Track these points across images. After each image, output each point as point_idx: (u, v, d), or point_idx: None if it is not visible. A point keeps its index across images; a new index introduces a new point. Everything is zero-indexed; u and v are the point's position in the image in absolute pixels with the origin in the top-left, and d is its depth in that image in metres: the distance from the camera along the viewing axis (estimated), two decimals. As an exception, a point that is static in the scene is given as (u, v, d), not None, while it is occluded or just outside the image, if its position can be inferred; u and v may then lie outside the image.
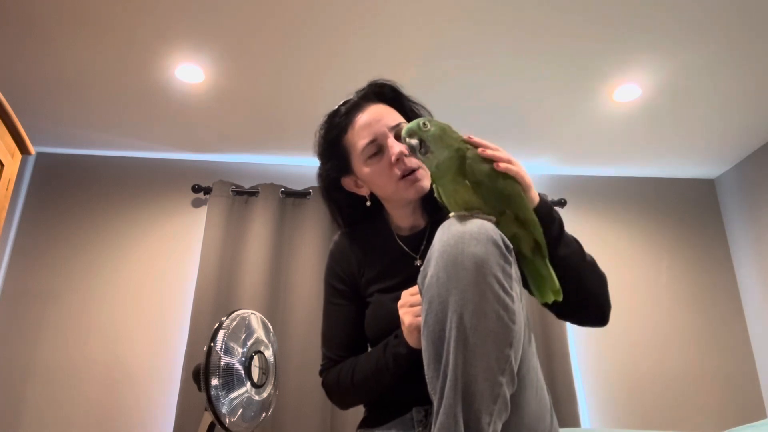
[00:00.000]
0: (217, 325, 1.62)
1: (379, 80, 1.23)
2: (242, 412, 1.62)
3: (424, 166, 1.13)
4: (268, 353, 1.77)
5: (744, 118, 2.58)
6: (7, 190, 1.84)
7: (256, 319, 1.77)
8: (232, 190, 2.80)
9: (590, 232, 2.99)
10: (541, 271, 0.94)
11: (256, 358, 1.68)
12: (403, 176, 1.12)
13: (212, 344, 1.57)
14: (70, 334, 2.60)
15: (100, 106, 2.49)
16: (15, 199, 2.75)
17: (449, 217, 0.90)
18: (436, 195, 1.01)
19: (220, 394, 1.55)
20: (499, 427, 0.78)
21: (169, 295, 2.71)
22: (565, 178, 3.10)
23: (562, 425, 2.40)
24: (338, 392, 1.16)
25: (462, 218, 0.87)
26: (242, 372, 1.62)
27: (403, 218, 1.21)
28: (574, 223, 2.98)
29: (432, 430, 0.77)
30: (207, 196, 2.86)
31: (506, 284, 0.80)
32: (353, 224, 1.27)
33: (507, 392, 0.79)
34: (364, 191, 1.21)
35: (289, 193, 2.83)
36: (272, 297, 2.63)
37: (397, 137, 1.13)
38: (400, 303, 1.02)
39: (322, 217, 2.76)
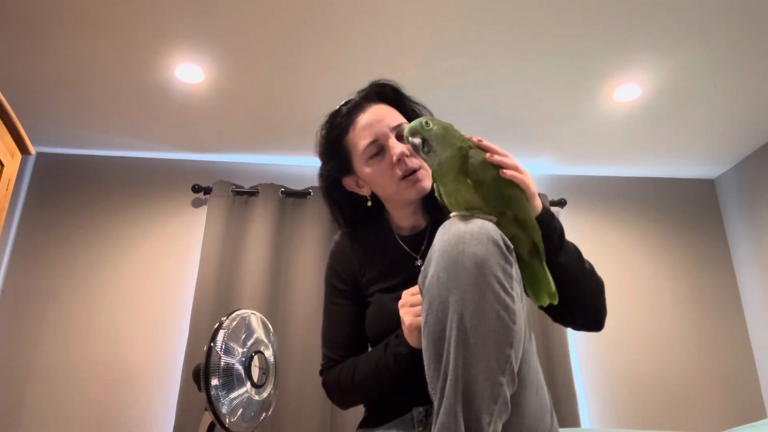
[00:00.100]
0: (217, 325, 1.62)
1: (380, 80, 1.23)
2: (242, 412, 1.62)
3: (425, 166, 1.13)
4: (268, 353, 1.77)
5: (744, 118, 2.58)
6: (7, 190, 1.84)
7: (256, 319, 1.77)
8: (232, 190, 2.80)
9: (590, 232, 2.99)
10: (538, 274, 0.95)
11: (256, 358, 1.68)
12: (404, 176, 1.12)
13: (212, 344, 1.57)
14: (70, 334, 2.60)
15: (100, 106, 2.49)
16: (15, 199, 2.75)
17: (450, 217, 0.90)
18: (436, 194, 1.01)
19: (220, 394, 1.55)
20: (500, 427, 0.78)
21: (169, 295, 2.71)
22: (565, 178, 3.10)
23: (562, 425, 2.40)
24: (338, 392, 1.16)
25: (463, 218, 0.87)
26: (242, 372, 1.62)
27: (404, 218, 1.21)
28: (574, 223, 2.98)
29: (432, 430, 0.77)
30: (207, 196, 2.86)
31: (507, 284, 0.80)
32: (354, 224, 1.27)
33: (507, 392, 0.79)
34: (365, 191, 1.21)
35: (289, 193, 2.83)
36: (272, 297, 2.63)
37: (399, 137, 1.13)
38: (400, 303, 1.02)
39: (322, 217, 2.76)
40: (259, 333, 1.75)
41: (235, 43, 2.10)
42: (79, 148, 2.88)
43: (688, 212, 3.08)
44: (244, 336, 1.67)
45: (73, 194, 2.84)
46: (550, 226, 0.99)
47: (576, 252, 1.03)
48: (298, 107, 2.49)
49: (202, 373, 1.56)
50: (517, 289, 0.84)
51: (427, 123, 0.93)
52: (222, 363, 1.57)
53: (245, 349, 1.65)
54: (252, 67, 2.24)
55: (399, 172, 1.12)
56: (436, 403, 0.78)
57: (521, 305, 0.85)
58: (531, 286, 0.96)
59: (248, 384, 1.63)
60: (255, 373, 1.67)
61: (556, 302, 0.95)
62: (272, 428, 2.41)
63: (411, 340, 0.99)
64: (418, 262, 1.15)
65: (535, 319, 2.68)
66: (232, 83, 2.34)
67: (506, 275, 0.81)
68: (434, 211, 1.18)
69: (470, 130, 1.00)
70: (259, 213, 2.76)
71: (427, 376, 0.82)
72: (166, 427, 2.46)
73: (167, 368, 2.57)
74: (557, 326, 2.67)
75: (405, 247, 1.18)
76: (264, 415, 1.73)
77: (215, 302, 2.58)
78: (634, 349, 2.79)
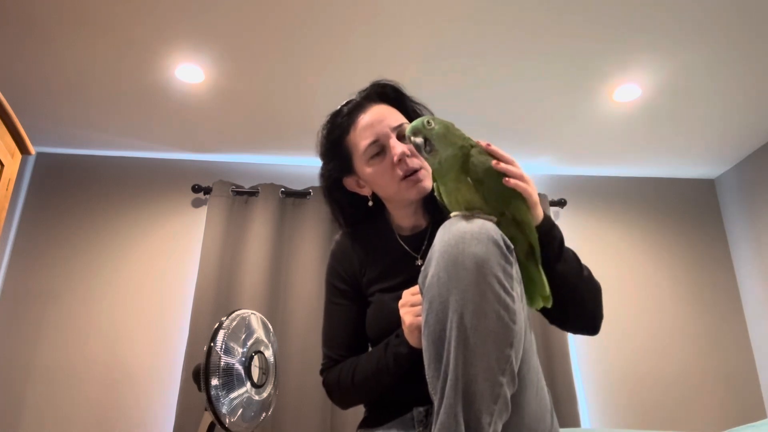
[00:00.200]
0: (217, 325, 1.62)
1: (381, 80, 1.23)
2: (242, 412, 1.62)
3: (426, 166, 1.14)
4: (268, 353, 1.77)
5: (744, 118, 2.58)
6: (7, 190, 1.84)
7: (256, 319, 1.77)
8: (232, 190, 2.80)
9: (590, 232, 2.99)
10: (533, 277, 0.95)
11: (256, 358, 1.68)
12: (405, 176, 1.12)
13: (212, 344, 1.57)
14: (70, 334, 2.60)
15: (100, 106, 2.49)
16: (15, 199, 2.75)
17: (450, 217, 0.90)
18: (436, 194, 1.02)
19: (220, 394, 1.55)
20: (500, 427, 0.78)
21: (169, 295, 2.71)
22: (565, 178, 3.10)
23: (562, 425, 2.40)
24: (339, 392, 1.16)
25: (463, 218, 0.87)
26: (242, 372, 1.62)
27: (405, 218, 1.21)
28: (574, 223, 2.98)
29: (432, 429, 0.77)
30: (207, 196, 2.86)
31: (507, 284, 0.80)
32: (355, 224, 1.27)
33: (507, 392, 0.79)
34: (366, 191, 1.21)
35: (289, 193, 2.83)
36: (272, 297, 2.63)
37: (400, 137, 1.13)
38: (400, 303, 1.02)
39: (322, 217, 2.76)
40: (259, 333, 1.75)
41: (235, 43, 2.10)
42: (79, 148, 2.88)
43: (688, 212, 3.08)
44: (244, 336, 1.67)
45: (73, 194, 2.84)
46: (550, 235, 0.99)
47: (575, 260, 1.04)
48: (298, 107, 2.49)
49: (202, 373, 1.56)
50: (518, 289, 0.84)
51: (428, 122, 0.93)
52: (222, 363, 1.57)
53: (245, 349, 1.65)
54: (252, 67, 2.24)
55: (400, 172, 1.12)
56: (436, 403, 0.78)
57: (521, 305, 0.85)
58: (525, 288, 0.96)
59: (248, 384, 1.63)
60: (255, 373, 1.67)
61: (549, 305, 0.96)
62: (272, 428, 2.41)
63: (411, 339, 0.99)
64: (419, 262, 1.16)
65: (535, 320, 2.68)
66: (232, 83, 2.33)
67: (506, 275, 0.81)
68: (435, 211, 1.18)
69: (470, 130, 1.01)
70: (259, 213, 2.76)
71: (427, 376, 0.82)
72: (166, 427, 2.46)
73: (167, 368, 2.57)
74: (557, 326, 2.67)
75: (405, 247, 1.18)
76: (264, 415, 1.73)
77: (215, 302, 2.58)
78: (634, 349, 2.79)
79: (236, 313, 1.69)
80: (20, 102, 2.43)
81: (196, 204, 2.89)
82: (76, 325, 2.61)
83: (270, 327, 1.84)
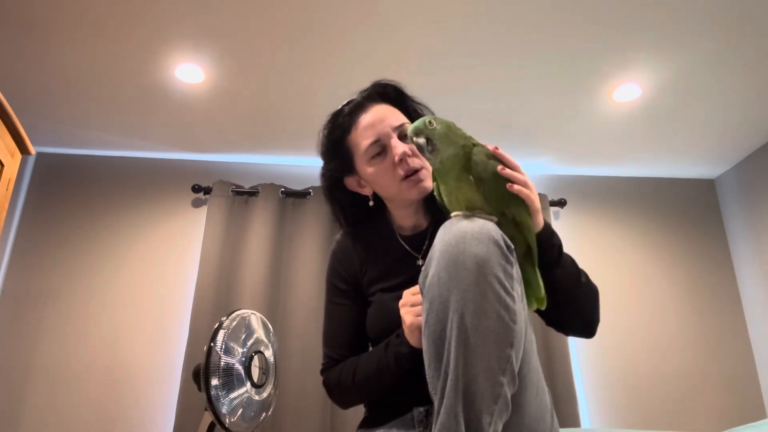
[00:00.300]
0: (217, 325, 1.62)
1: (382, 80, 1.23)
2: (242, 412, 1.62)
3: (427, 166, 1.14)
4: (268, 353, 1.77)
5: (744, 118, 2.58)
6: (7, 190, 1.84)
7: (256, 319, 1.77)
8: (232, 190, 2.80)
9: (590, 232, 2.99)
10: (529, 278, 0.96)
11: (256, 358, 1.68)
12: (406, 176, 1.12)
13: (212, 344, 1.57)
14: (70, 334, 2.60)
15: (100, 106, 2.49)
16: (15, 199, 2.75)
17: (451, 217, 0.90)
18: (435, 194, 1.02)
19: (220, 394, 1.55)
20: (500, 427, 0.78)
21: (169, 295, 2.71)
22: (565, 178, 3.10)
23: (562, 425, 2.40)
24: (339, 391, 1.16)
25: (463, 218, 0.87)
26: (242, 372, 1.62)
27: (406, 218, 1.21)
28: (574, 223, 2.98)
29: (433, 429, 0.77)
30: (207, 196, 2.86)
31: (507, 284, 0.80)
32: (356, 224, 1.27)
33: (508, 392, 0.79)
34: (366, 191, 1.21)
35: (289, 193, 2.83)
36: (272, 297, 2.63)
37: (401, 137, 1.13)
38: (401, 302, 1.02)
39: (322, 217, 2.76)
40: (259, 333, 1.75)
41: (235, 43, 2.10)
42: (79, 148, 2.88)
43: (688, 212, 3.08)
44: (244, 336, 1.67)
45: (73, 194, 2.84)
46: (549, 242, 1.00)
47: (573, 267, 1.05)
48: (298, 107, 2.49)
49: (202, 373, 1.56)
50: (518, 289, 0.85)
51: (430, 122, 0.94)
52: (222, 363, 1.57)
53: (245, 349, 1.65)
54: (252, 67, 2.24)
55: (401, 172, 1.12)
56: (436, 403, 0.78)
57: (522, 305, 0.85)
58: None
59: (248, 384, 1.63)
60: (255, 373, 1.67)
61: (543, 308, 0.96)
62: (272, 428, 2.41)
63: (412, 339, 0.99)
64: (420, 262, 1.16)
65: (536, 320, 2.68)
66: (232, 83, 2.33)
67: (507, 275, 0.81)
68: (436, 211, 1.18)
69: (469, 130, 1.01)
70: (259, 213, 2.76)
71: (427, 376, 0.82)
72: (166, 427, 2.46)
73: (167, 368, 2.57)
74: (557, 326, 2.67)
75: (406, 246, 1.18)
76: (264, 415, 1.73)
77: (215, 302, 2.58)
78: (633, 349, 2.79)
79: (236, 313, 1.70)
80: (20, 102, 2.43)
81: (196, 204, 2.89)
82: (76, 325, 2.61)
83: (270, 327, 1.84)
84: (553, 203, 2.96)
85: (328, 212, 1.29)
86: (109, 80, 2.31)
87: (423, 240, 1.18)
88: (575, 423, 2.51)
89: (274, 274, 2.67)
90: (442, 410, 0.75)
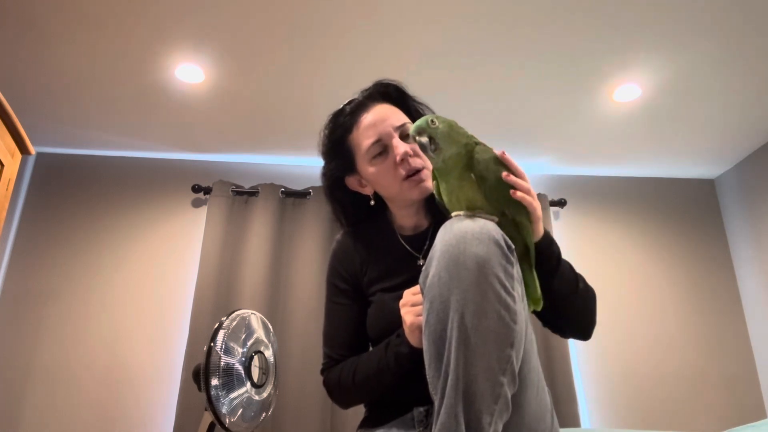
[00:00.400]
0: (217, 325, 1.62)
1: (384, 80, 1.23)
2: (242, 412, 1.62)
3: (428, 166, 1.14)
4: (268, 353, 1.77)
5: (744, 118, 2.58)
6: (7, 190, 1.84)
7: (256, 319, 1.77)
8: (232, 190, 2.80)
9: (590, 231, 2.99)
10: (525, 278, 0.96)
11: (256, 358, 1.68)
12: (408, 176, 1.12)
13: (212, 344, 1.57)
14: (70, 334, 2.60)
15: (100, 106, 2.49)
16: (15, 199, 2.75)
17: (451, 217, 0.91)
18: (435, 193, 1.02)
19: (220, 394, 1.55)
20: (500, 427, 0.78)
21: (169, 295, 2.71)
22: (565, 178, 3.10)
23: (562, 425, 2.40)
24: (339, 391, 1.16)
25: (464, 218, 0.87)
26: (242, 372, 1.62)
27: (407, 218, 1.21)
28: (574, 223, 2.98)
29: (433, 429, 0.77)
30: (207, 196, 2.86)
31: (508, 284, 0.81)
32: (356, 223, 1.27)
33: (508, 392, 0.79)
34: (367, 191, 1.21)
35: (289, 193, 2.83)
36: (272, 297, 2.63)
37: (402, 137, 1.13)
38: (401, 302, 1.02)
39: (322, 217, 2.76)
40: (259, 333, 1.75)
41: (235, 43, 2.10)
42: (79, 148, 2.88)
43: (688, 212, 3.08)
44: (244, 336, 1.67)
45: (73, 194, 2.84)
46: (549, 251, 1.01)
47: (571, 273, 1.06)
48: (298, 107, 2.49)
49: (202, 373, 1.56)
50: (518, 289, 0.85)
51: (432, 121, 0.94)
52: (222, 363, 1.57)
53: (245, 349, 1.65)
54: (252, 67, 2.24)
55: (402, 172, 1.12)
56: (436, 403, 0.78)
57: (522, 305, 0.85)
58: None
59: (248, 384, 1.63)
60: (255, 373, 1.67)
61: (539, 308, 0.97)
62: (272, 428, 2.41)
63: (412, 339, 0.99)
64: (420, 262, 1.16)
65: (535, 320, 2.68)
66: (232, 83, 2.33)
67: (507, 275, 0.81)
68: (437, 211, 1.18)
69: (470, 129, 1.01)
70: (259, 213, 2.76)
71: (427, 376, 0.82)
72: (166, 427, 2.46)
73: (167, 368, 2.57)
74: (557, 326, 2.67)
75: (407, 246, 1.18)
76: (264, 415, 1.73)
77: (215, 302, 2.58)
78: (633, 349, 2.79)
79: (236, 313, 1.69)
80: (20, 102, 2.43)
81: (196, 204, 2.89)
82: (76, 325, 2.61)
83: (270, 327, 1.84)
84: (553, 203, 2.96)
85: (329, 212, 1.29)
86: (109, 80, 2.31)
87: (424, 240, 1.18)
88: (575, 423, 2.51)
89: (274, 274, 2.67)
90: (443, 410, 0.75)
